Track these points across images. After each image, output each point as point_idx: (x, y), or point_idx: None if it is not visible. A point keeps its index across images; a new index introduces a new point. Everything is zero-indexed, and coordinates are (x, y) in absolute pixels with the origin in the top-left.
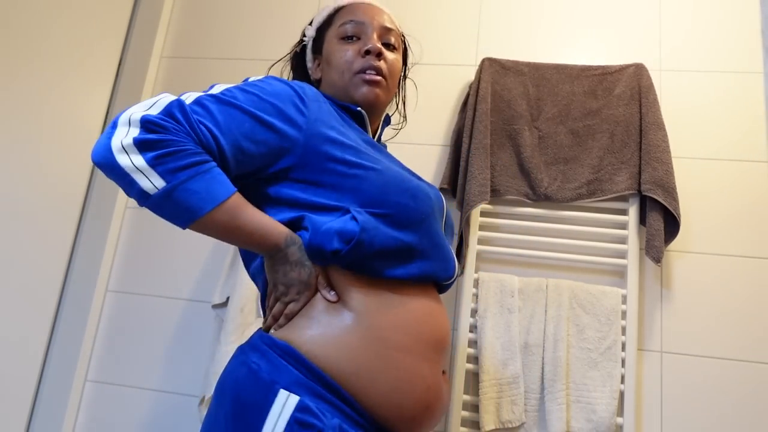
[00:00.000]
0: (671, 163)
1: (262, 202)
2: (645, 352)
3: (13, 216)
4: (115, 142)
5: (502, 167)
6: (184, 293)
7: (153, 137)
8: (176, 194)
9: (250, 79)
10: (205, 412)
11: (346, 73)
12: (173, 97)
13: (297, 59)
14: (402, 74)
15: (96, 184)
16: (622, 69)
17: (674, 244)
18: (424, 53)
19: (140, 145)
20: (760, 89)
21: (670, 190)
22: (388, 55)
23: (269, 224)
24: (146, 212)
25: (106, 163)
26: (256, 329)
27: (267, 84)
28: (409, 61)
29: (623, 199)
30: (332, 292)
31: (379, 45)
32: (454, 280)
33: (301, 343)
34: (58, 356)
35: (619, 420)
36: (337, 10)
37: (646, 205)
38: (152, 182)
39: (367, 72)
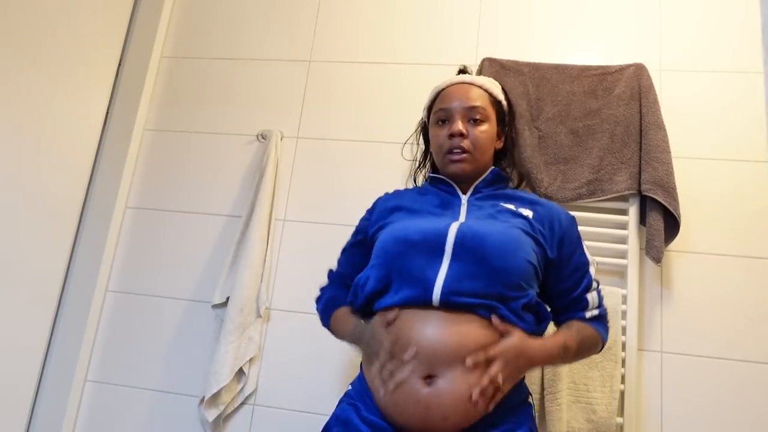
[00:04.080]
0: (671, 163)
1: None
2: (645, 352)
3: (13, 216)
4: None
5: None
6: (184, 293)
7: None
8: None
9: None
10: (205, 412)
11: (439, 154)
12: None
13: (424, 133)
14: (503, 131)
15: (96, 184)
16: (622, 69)
17: (674, 244)
18: (425, 53)
19: None
20: (760, 89)
21: (670, 190)
22: (473, 131)
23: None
24: (146, 212)
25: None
26: (255, 329)
27: None
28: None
29: (623, 199)
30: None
31: (460, 127)
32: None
33: None
34: (58, 356)
35: (619, 420)
36: (437, 95)
37: (646, 205)
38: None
39: (453, 152)
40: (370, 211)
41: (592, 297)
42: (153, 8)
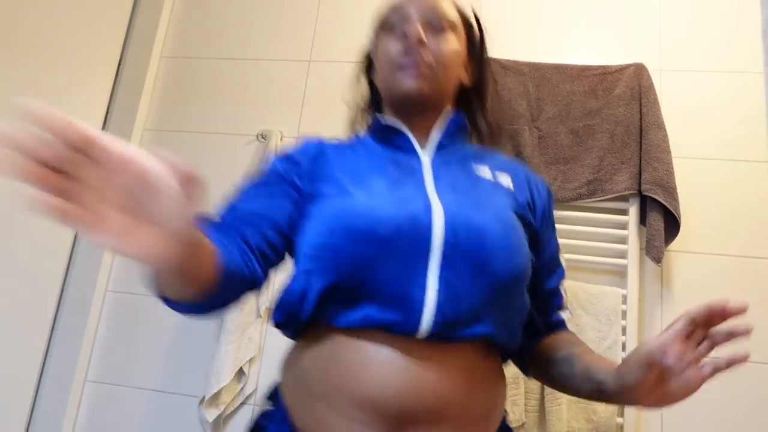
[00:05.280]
0: (671, 163)
1: None
2: None
3: (13, 215)
4: None
5: None
6: None
7: None
8: None
9: None
10: (205, 412)
11: (388, 70)
12: None
13: (368, 73)
14: (473, 58)
15: None
16: (622, 69)
17: (674, 244)
18: None
19: None
20: (760, 89)
21: (671, 190)
22: (435, 40)
23: None
24: None
25: None
26: (255, 329)
27: None
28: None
29: (623, 199)
30: None
31: (419, 29)
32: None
33: (282, 362)
34: (58, 356)
35: (619, 420)
36: (386, 3)
37: (646, 205)
38: None
39: (406, 67)
40: (301, 153)
41: (564, 289)
42: (153, 8)
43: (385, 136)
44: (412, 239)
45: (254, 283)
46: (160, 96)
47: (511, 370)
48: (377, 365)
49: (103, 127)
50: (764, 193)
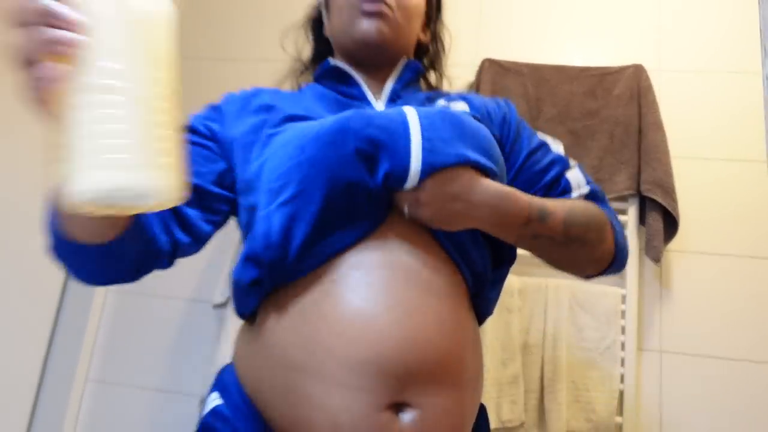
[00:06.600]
0: (670, 164)
1: None
2: (644, 352)
3: (13, 215)
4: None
5: None
6: (185, 293)
7: None
8: None
9: None
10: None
11: (348, 15)
12: None
13: (316, 26)
14: (430, 12)
15: None
16: (621, 70)
17: (673, 244)
18: None
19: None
20: (759, 89)
21: (669, 191)
22: None
23: None
24: None
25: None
26: None
27: None
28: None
29: (622, 199)
30: None
31: None
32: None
33: (237, 348)
34: (59, 355)
35: (619, 420)
36: None
37: (645, 205)
38: None
39: (366, 3)
40: (226, 102)
41: (573, 175)
42: None
43: (333, 85)
44: (392, 131)
45: (170, 245)
46: None
47: (511, 369)
48: (371, 310)
49: None
50: (763, 193)
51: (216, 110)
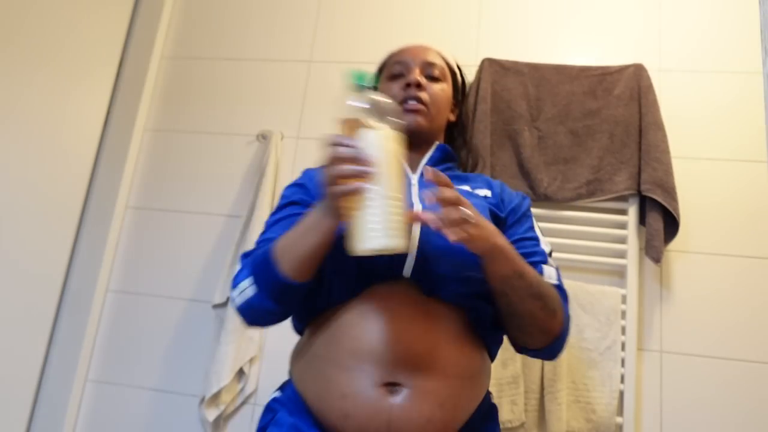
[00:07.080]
0: (671, 164)
1: None
2: (644, 352)
3: (13, 216)
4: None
5: (502, 167)
6: (185, 293)
7: None
8: None
9: None
10: (205, 412)
11: None
12: None
13: None
14: (457, 100)
15: (96, 183)
16: (621, 69)
17: (674, 244)
18: None
19: None
20: (760, 89)
21: (670, 190)
22: (430, 85)
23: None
24: (146, 212)
25: None
26: (256, 329)
27: None
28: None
29: (623, 199)
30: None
31: (417, 76)
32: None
33: (292, 356)
34: (58, 356)
35: (619, 420)
36: (389, 56)
37: (645, 205)
38: None
39: (408, 102)
40: (305, 177)
41: (549, 269)
42: (153, 8)
43: None
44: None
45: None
46: (160, 96)
47: (511, 370)
48: (373, 321)
49: (104, 128)
50: (763, 193)
51: (301, 187)
